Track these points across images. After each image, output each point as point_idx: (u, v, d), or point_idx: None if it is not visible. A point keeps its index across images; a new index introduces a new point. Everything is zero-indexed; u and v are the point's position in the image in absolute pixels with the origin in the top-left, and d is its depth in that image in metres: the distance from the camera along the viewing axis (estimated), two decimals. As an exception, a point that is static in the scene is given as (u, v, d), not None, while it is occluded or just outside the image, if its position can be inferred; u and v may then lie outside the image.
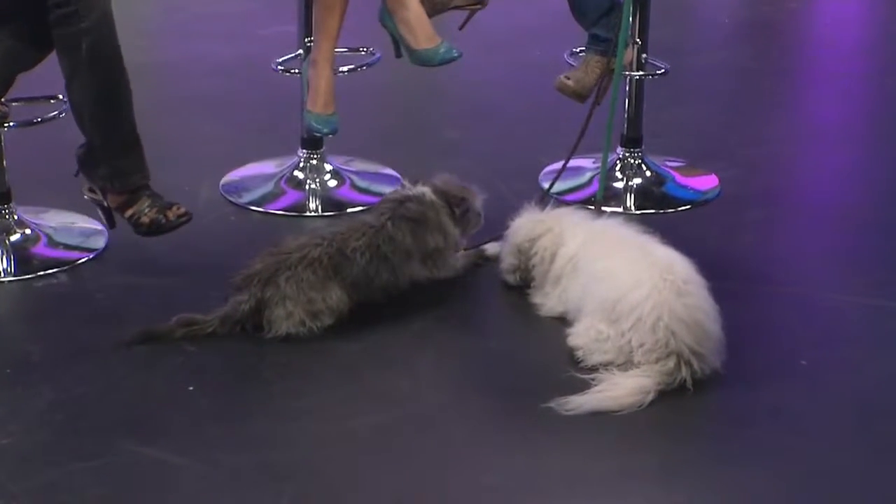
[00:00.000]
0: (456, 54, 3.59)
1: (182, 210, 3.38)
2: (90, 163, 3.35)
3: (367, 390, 2.89)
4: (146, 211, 3.35)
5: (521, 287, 3.33)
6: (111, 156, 3.32)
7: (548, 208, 3.39)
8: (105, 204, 3.40)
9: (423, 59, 3.61)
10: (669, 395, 2.82)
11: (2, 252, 3.47)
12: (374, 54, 4.09)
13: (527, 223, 3.31)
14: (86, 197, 3.44)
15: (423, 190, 3.31)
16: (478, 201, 3.40)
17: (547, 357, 3.01)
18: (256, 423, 2.74)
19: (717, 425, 2.78)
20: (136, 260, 3.48)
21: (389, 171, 4.09)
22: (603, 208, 3.61)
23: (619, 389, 2.79)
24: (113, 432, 2.68)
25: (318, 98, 3.64)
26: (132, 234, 3.41)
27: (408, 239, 3.20)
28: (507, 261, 3.34)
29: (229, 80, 5.14)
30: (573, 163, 3.78)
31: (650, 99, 4.09)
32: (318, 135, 3.81)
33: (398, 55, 3.70)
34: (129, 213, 3.37)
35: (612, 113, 3.57)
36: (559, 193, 3.89)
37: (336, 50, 3.67)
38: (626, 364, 2.88)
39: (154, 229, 3.36)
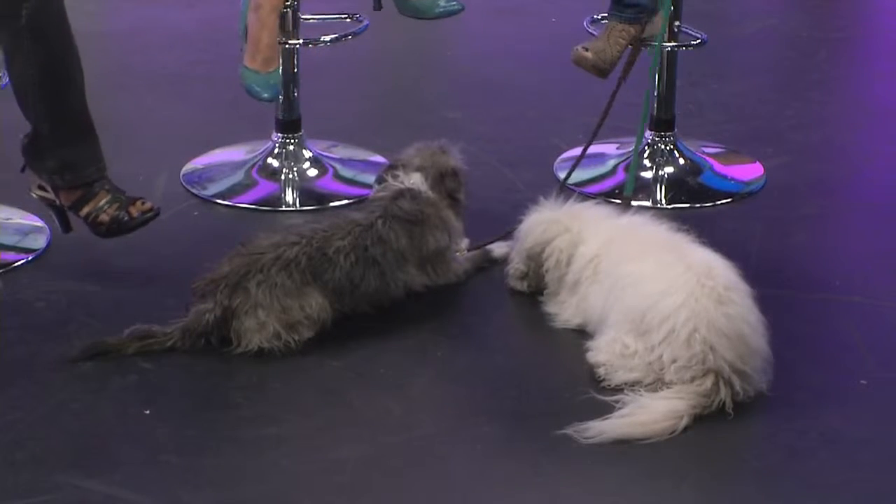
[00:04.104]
0: (458, 7, 3.59)
1: (148, 205, 3.38)
2: (37, 154, 3.35)
3: (352, 416, 2.89)
4: (105, 208, 3.35)
5: (533, 294, 3.34)
6: (60, 145, 3.31)
7: (569, 203, 3.38)
8: (57, 203, 3.39)
9: (417, 10, 3.60)
10: (707, 421, 2.82)
11: (-76, 253, 3.49)
12: (361, 21, 4.10)
13: (539, 223, 3.32)
14: (34, 195, 3.44)
15: (417, 181, 3.32)
16: (455, 159, 3.42)
17: (563, 376, 3.02)
18: (222, 455, 2.74)
19: (762, 456, 2.78)
20: (83, 262, 3.48)
21: (378, 158, 4.10)
22: (632, 203, 3.61)
23: (648, 414, 2.80)
24: (55, 465, 2.68)
25: (258, 53, 3.58)
26: (79, 232, 3.41)
27: (402, 241, 3.21)
28: (515, 265, 3.35)
29: (191, 51, 5.14)
30: (594, 149, 3.79)
31: (684, 74, 4.09)
32: (255, 99, 3.75)
33: (377, 7, 3.67)
34: (85, 211, 3.36)
35: (651, 89, 3.56)
36: (577, 184, 3.89)
37: (317, 15, 3.66)
38: (657, 384, 2.89)
39: (115, 229, 3.36)
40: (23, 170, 3.41)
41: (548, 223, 3.30)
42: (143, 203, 3.38)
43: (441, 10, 3.63)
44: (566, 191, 3.60)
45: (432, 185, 3.34)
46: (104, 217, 3.35)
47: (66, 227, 3.45)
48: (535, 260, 3.29)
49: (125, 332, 3.05)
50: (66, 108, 3.29)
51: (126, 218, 3.35)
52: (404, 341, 3.16)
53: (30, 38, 3.20)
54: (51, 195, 3.39)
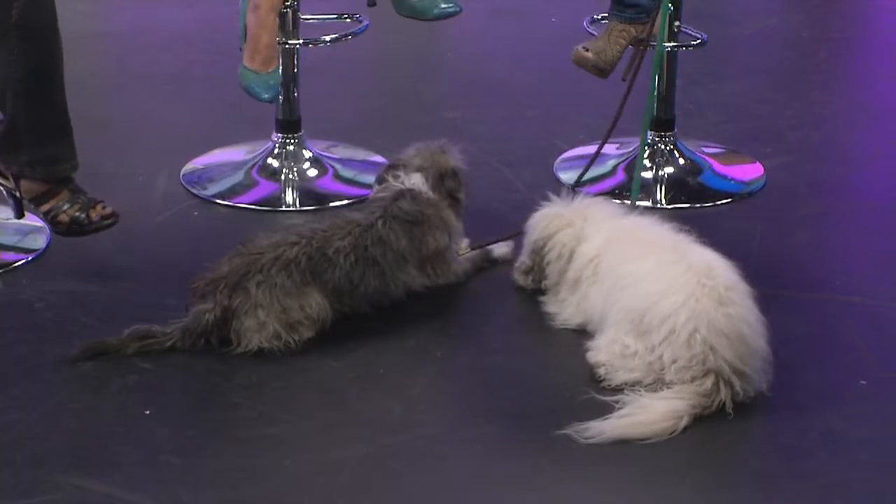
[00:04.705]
0: (456, 9, 3.58)
1: (108, 210, 3.37)
2: (9, 146, 3.34)
3: (352, 416, 2.89)
4: (65, 208, 3.35)
5: (533, 293, 3.34)
6: (37, 140, 3.31)
7: (577, 199, 3.37)
8: (17, 193, 3.39)
9: (416, 11, 3.58)
10: (707, 421, 2.83)
11: (-76, 253, 3.49)
12: (361, 21, 4.10)
13: (543, 217, 3.32)
14: None
15: (417, 181, 3.32)
16: (455, 159, 3.43)
17: (563, 376, 3.02)
18: (222, 455, 2.74)
19: (762, 456, 2.78)
20: (83, 262, 3.48)
21: (378, 158, 4.10)
22: (639, 204, 3.61)
23: (648, 414, 2.80)
24: (54, 465, 2.68)
25: (258, 53, 3.58)
26: (77, 232, 3.42)
27: (402, 242, 3.21)
28: (522, 259, 3.36)
29: (190, 51, 5.14)
30: (593, 150, 3.78)
31: (684, 74, 4.09)
32: (255, 99, 3.75)
33: (371, 3, 3.66)
34: (45, 207, 3.37)
35: (654, 90, 3.56)
36: (577, 185, 3.89)
37: (317, 15, 3.67)
38: (657, 384, 2.89)
39: (74, 230, 3.36)
40: None
41: (552, 217, 3.31)
42: (103, 207, 3.37)
43: (439, 11, 3.62)
44: (576, 191, 3.59)
45: (432, 186, 3.35)
46: (63, 217, 3.35)
47: (20, 214, 3.44)
48: (538, 253, 3.30)
49: (125, 332, 3.05)
50: (47, 105, 3.29)
51: (86, 221, 3.35)
52: (404, 341, 3.16)
53: (17, 36, 3.20)
54: (11, 183, 3.38)
